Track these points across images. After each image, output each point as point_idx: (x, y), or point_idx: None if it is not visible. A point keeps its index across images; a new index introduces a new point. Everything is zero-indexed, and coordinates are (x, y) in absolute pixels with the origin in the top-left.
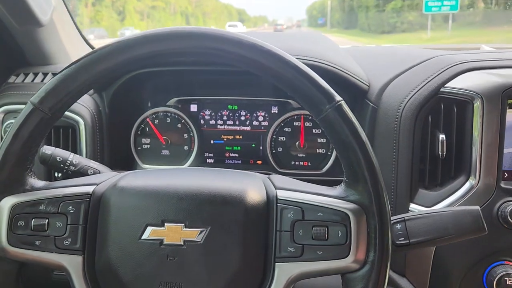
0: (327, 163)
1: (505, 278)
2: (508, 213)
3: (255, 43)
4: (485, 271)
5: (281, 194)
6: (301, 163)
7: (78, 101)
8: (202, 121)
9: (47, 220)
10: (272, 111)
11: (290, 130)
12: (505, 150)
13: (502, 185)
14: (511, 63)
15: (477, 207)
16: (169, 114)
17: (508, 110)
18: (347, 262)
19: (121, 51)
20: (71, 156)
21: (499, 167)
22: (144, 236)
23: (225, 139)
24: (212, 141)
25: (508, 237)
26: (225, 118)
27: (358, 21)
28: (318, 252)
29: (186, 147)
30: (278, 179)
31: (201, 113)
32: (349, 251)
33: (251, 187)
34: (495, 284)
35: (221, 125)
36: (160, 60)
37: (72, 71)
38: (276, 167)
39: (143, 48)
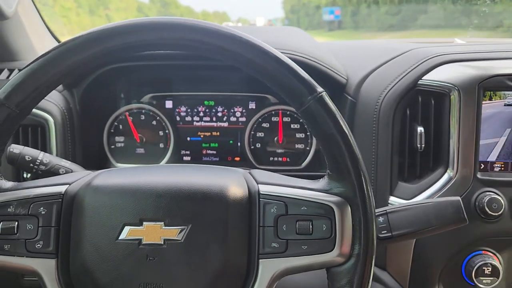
0: (306, 159)
1: (483, 268)
2: (485, 204)
3: (234, 33)
4: (463, 261)
5: (263, 188)
6: (280, 159)
7: (47, 98)
8: (178, 118)
9: (16, 223)
10: (250, 107)
11: (268, 125)
12: (481, 142)
13: (479, 176)
14: (486, 56)
15: (458, 198)
16: (143, 111)
17: (483, 102)
18: (332, 256)
19: (92, 43)
20: (41, 155)
21: (476, 159)
22: (122, 237)
23: (202, 136)
24: (188, 138)
25: (485, 227)
26: (201, 114)
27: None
28: (302, 247)
29: (161, 145)
30: (259, 173)
31: (177, 110)
32: (334, 245)
33: (232, 182)
34: (474, 274)
35: (197, 121)
36: (133, 52)
37: (40, 64)
38: (254, 163)
39: (114, 39)
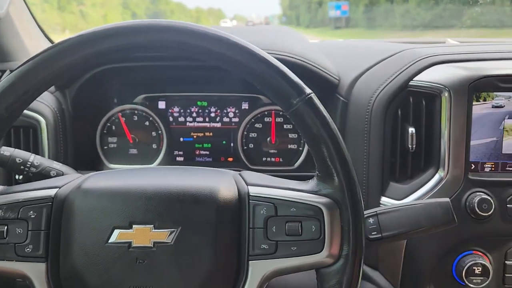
0: (299, 159)
1: (473, 268)
2: (475, 204)
3: (221, 35)
4: (454, 261)
5: (253, 190)
6: (273, 159)
7: (39, 99)
8: (170, 118)
9: (6, 227)
10: (243, 107)
11: (261, 126)
12: (472, 142)
13: (470, 176)
14: (477, 56)
15: (447, 199)
16: (136, 111)
17: (474, 103)
18: (321, 256)
19: (82, 45)
20: (32, 157)
21: (467, 159)
22: (111, 240)
23: (195, 136)
24: (181, 139)
25: (475, 227)
26: (194, 115)
27: None
28: (292, 248)
29: (154, 146)
30: (249, 175)
31: (170, 110)
32: (323, 246)
33: (222, 184)
34: (464, 274)
35: (190, 122)
36: (123, 55)
37: (30, 67)
38: (247, 163)
39: (104, 42)
